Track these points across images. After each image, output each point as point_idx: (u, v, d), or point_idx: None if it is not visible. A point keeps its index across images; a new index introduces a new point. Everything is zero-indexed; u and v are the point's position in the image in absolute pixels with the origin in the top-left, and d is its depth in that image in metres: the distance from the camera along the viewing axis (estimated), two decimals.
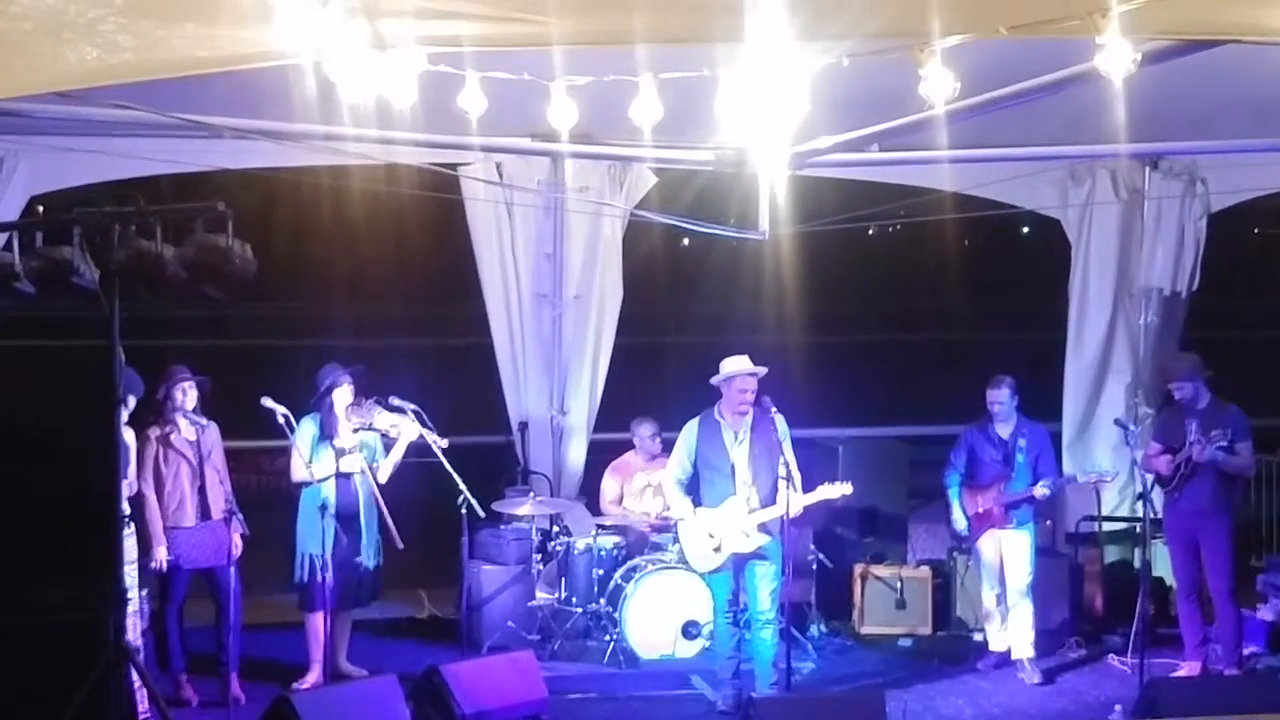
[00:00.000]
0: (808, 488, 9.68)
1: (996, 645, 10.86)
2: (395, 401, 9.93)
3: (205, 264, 7.03)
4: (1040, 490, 10.48)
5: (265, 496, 12.75)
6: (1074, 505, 12.15)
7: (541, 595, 11.15)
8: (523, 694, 9.37)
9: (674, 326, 31.76)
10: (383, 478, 10.04)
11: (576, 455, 12.33)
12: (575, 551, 11.10)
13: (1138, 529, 11.21)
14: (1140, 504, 10.31)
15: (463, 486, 9.83)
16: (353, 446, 9.91)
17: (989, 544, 10.79)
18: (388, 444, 10.06)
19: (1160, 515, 10.60)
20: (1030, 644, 10.65)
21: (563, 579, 11.12)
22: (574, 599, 11.05)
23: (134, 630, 8.71)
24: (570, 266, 11.97)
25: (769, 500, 9.58)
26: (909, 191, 12.29)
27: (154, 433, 9.50)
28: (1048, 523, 11.89)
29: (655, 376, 19.69)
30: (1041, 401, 12.21)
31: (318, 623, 9.85)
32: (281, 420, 9.48)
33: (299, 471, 9.83)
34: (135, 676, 7.61)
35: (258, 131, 9.34)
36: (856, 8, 5.95)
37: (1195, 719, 8.54)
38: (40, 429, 7.45)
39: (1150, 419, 12.06)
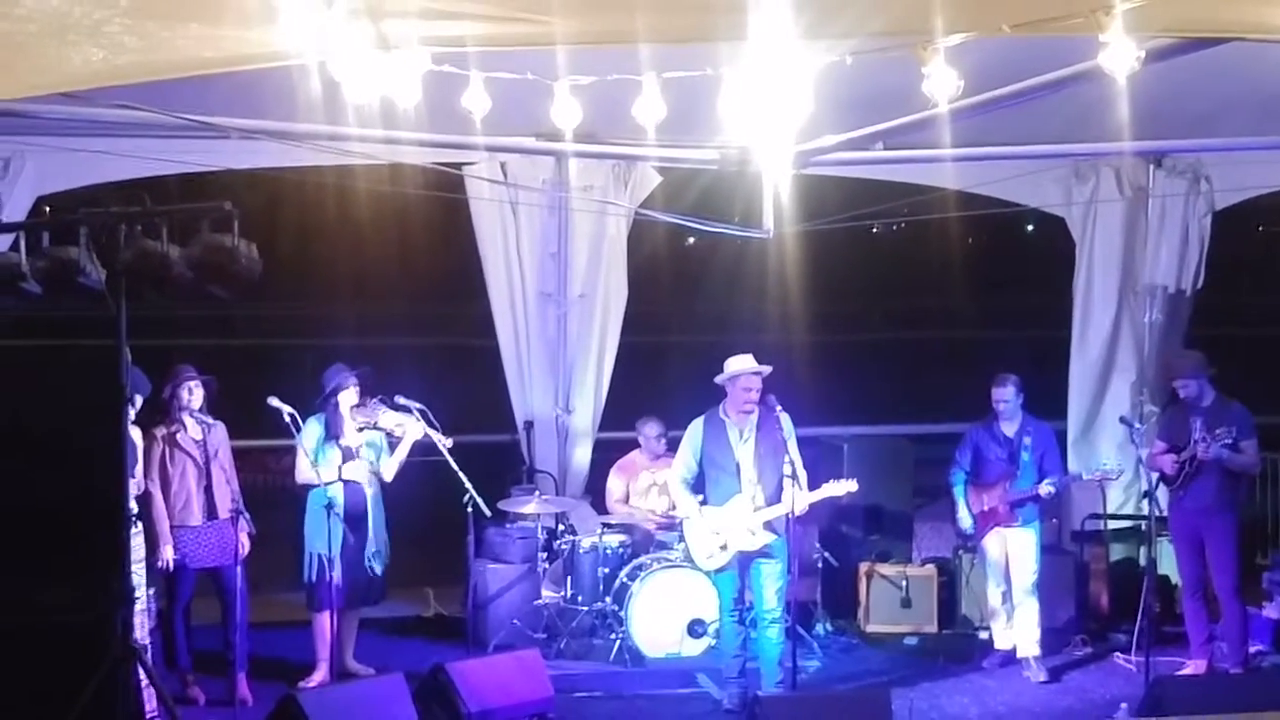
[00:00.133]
0: (813, 486, 9.68)
1: (1002, 643, 10.85)
2: (401, 400, 9.94)
3: (211, 264, 7.05)
4: (1045, 488, 10.48)
5: (272, 495, 12.75)
6: (1079, 503, 12.14)
7: (547, 594, 11.16)
8: (528, 692, 9.36)
9: (679, 325, 31.77)
10: (388, 476, 10.07)
11: (582, 454, 12.32)
12: (581, 550, 11.10)
13: (1143, 527, 11.23)
14: (1145, 502, 10.31)
15: (468, 485, 9.84)
16: (358, 446, 9.93)
17: (994, 542, 10.79)
18: (393, 443, 10.06)
19: (1165, 513, 10.58)
20: (1036, 642, 10.64)
21: (568, 577, 11.12)
22: (580, 597, 11.04)
23: (142, 629, 8.72)
24: (575, 265, 11.97)
25: (774, 498, 9.59)
26: (913, 190, 12.31)
27: (160, 432, 9.50)
28: (1053, 521, 11.90)
29: (660, 375, 19.68)
30: (1046, 399, 12.20)
31: (324, 622, 9.86)
32: (288, 419, 9.50)
33: (304, 473, 9.84)
34: (142, 675, 7.65)
35: (263, 131, 9.37)
36: (860, 6, 5.96)
37: (1200, 717, 8.53)
38: (47, 429, 7.48)
39: (1155, 417, 12.02)
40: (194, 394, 9.55)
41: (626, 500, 11.75)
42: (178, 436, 9.53)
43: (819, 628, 11.49)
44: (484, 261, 11.93)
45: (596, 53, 6.87)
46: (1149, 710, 8.94)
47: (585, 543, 11.11)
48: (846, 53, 6.43)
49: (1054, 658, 10.85)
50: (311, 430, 9.83)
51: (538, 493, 11.46)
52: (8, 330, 8.76)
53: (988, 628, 11.11)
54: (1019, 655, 10.68)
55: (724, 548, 9.69)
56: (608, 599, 10.92)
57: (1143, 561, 11.05)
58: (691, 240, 36.63)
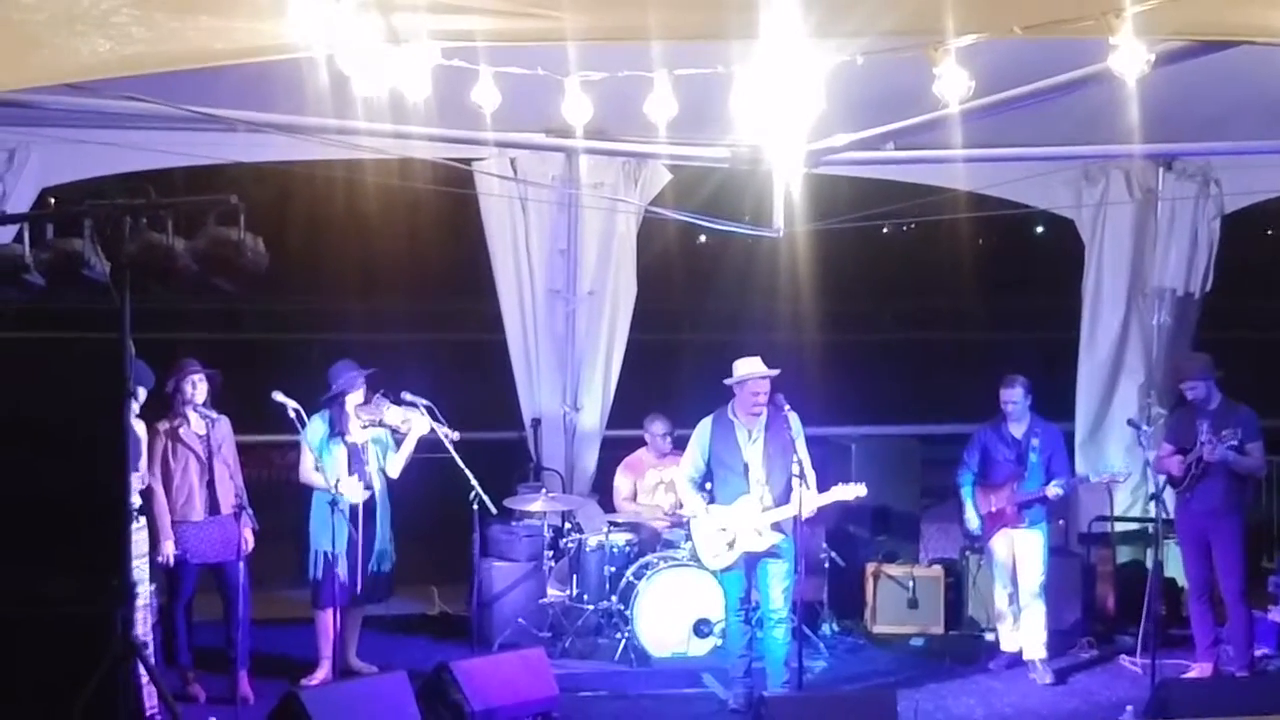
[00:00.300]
0: (821, 486, 9.67)
1: (1008, 645, 10.83)
2: (407, 396, 9.92)
3: (217, 257, 7.02)
4: (1053, 490, 10.46)
5: (276, 491, 12.72)
6: (1087, 505, 12.11)
7: (553, 592, 11.14)
8: (533, 691, 9.34)
9: (689, 323, 31.71)
10: (394, 473, 10.05)
11: (589, 452, 12.32)
12: (587, 548, 11.07)
13: (1150, 529, 11.21)
14: (1153, 504, 10.31)
15: (474, 483, 9.82)
16: (363, 443, 9.91)
17: (1002, 543, 10.76)
18: (398, 439, 10.04)
19: (1173, 516, 10.56)
20: (1042, 644, 10.62)
21: (574, 576, 11.10)
22: (585, 596, 11.02)
23: (143, 625, 8.67)
24: (584, 262, 11.95)
25: (782, 499, 9.55)
26: (923, 190, 12.28)
27: (163, 426, 9.48)
28: (1060, 522, 11.86)
29: (669, 373, 19.66)
30: (1054, 401, 12.18)
31: (328, 619, 9.83)
32: (292, 415, 9.46)
33: (307, 473, 9.83)
34: (143, 672, 7.61)
35: (271, 125, 9.34)
36: (871, 5, 5.95)
37: None
38: (50, 421, 7.44)
39: (1163, 419, 12.02)
40: (198, 388, 9.52)
41: (634, 498, 11.73)
42: (180, 431, 9.50)
43: (825, 628, 11.48)
44: (493, 258, 11.90)
45: (608, 49, 6.86)
46: (1155, 713, 8.95)
47: (591, 541, 11.09)
48: (858, 52, 6.42)
49: (1060, 660, 10.83)
50: (316, 427, 9.81)
51: (544, 490, 11.44)
52: (11, 322, 8.72)
53: (994, 629, 11.10)
54: (1025, 657, 10.66)
55: (731, 547, 9.66)
56: (613, 598, 10.89)
57: (1149, 564, 11.02)
58: (702, 238, 36.68)
